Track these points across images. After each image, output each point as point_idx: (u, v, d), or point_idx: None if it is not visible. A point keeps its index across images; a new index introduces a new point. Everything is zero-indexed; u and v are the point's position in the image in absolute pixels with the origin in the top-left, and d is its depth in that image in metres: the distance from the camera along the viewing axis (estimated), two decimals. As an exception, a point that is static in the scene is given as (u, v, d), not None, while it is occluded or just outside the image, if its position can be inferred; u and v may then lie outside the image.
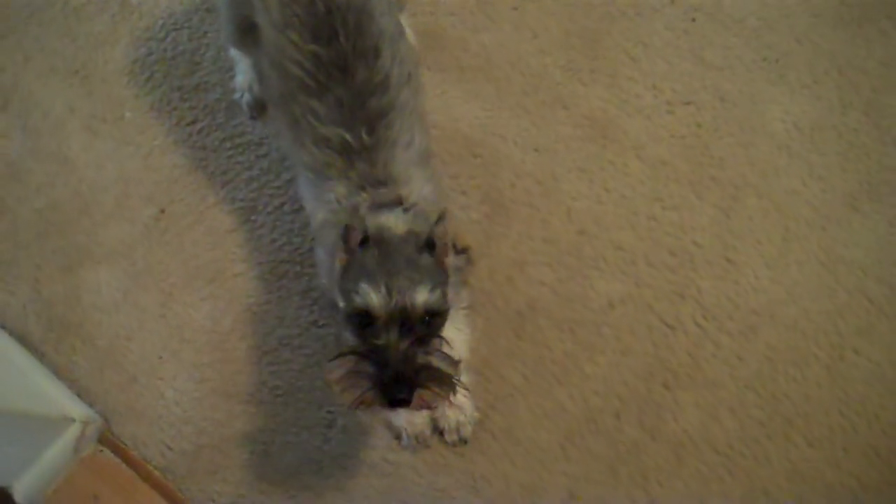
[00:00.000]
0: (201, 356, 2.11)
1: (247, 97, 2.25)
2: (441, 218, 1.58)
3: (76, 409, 2.03)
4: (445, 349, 1.56)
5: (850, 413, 2.01)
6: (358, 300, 1.50)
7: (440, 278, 1.56)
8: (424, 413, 1.96)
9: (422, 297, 1.50)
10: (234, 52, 2.22)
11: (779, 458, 1.99)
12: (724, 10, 2.37)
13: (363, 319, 1.51)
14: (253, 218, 2.20)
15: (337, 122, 1.70)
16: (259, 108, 2.27)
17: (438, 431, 2.01)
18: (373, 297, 1.49)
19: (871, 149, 2.22)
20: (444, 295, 1.56)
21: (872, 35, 2.32)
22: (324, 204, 1.74)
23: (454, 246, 1.90)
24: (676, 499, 1.97)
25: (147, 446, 2.06)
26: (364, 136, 1.70)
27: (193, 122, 2.30)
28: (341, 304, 1.56)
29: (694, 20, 2.36)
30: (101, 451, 2.06)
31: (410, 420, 1.97)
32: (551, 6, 2.39)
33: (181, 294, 2.16)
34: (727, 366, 2.06)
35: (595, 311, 2.11)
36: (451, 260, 1.64)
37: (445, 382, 1.52)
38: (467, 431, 2.00)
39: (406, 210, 1.65)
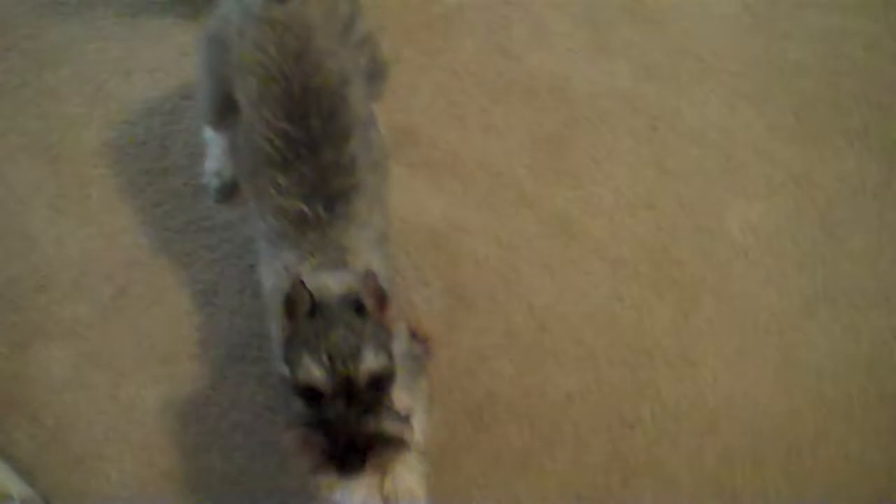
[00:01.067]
0: (150, 438, 2.02)
1: (215, 182, 2.24)
2: (367, 274, 1.54)
3: (16, 487, 1.93)
4: (396, 407, 1.52)
5: (810, 512, 1.97)
6: (302, 375, 1.46)
7: (382, 338, 1.52)
8: (377, 501, 1.89)
9: (365, 364, 1.45)
10: (207, 135, 2.21)
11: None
12: (684, 122, 2.40)
13: (309, 393, 1.46)
14: (213, 301, 2.15)
15: (297, 196, 1.69)
16: (226, 193, 2.25)
17: (391, 526, 1.93)
18: (316, 372, 1.44)
19: (826, 258, 2.23)
20: (389, 355, 1.51)
21: (826, 151, 2.36)
22: (273, 272, 1.71)
23: (414, 335, 1.88)
24: None
25: (89, 530, 1.96)
26: (321, 210, 1.68)
27: (159, 205, 2.26)
28: (287, 373, 1.52)
29: (655, 129, 2.39)
30: (40, 534, 1.95)
31: (363, 510, 1.89)
32: (519, 110, 2.42)
33: (134, 375, 2.08)
34: (686, 463, 2.00)
35: (554, 405, 2.06)
36: (393, 317, 1.60)
37: (398, 445, 1.47)
38: None
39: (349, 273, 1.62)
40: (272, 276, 1.73)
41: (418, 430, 1.83)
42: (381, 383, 1.49)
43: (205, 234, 2.23)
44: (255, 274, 2.07)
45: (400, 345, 1.65)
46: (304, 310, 1.51)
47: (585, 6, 2.58)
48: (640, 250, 2.24)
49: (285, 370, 1.53)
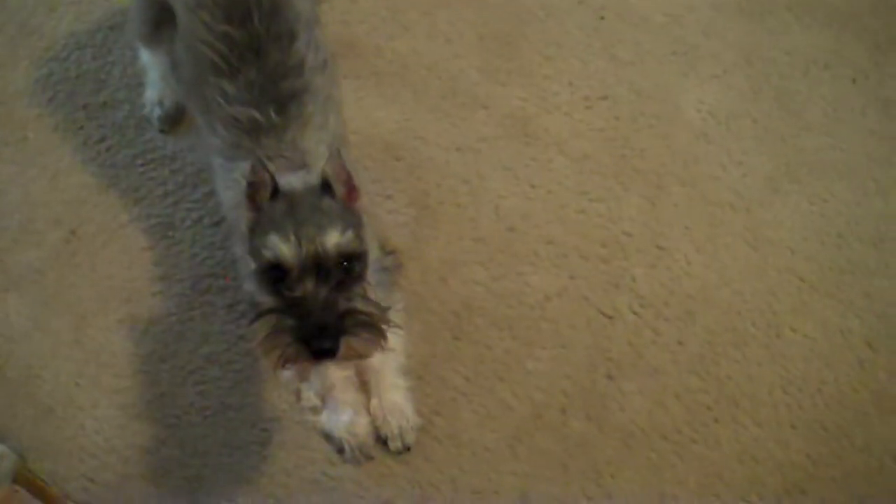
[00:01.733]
0: (122, 381, 1.86)
1: (157, 111, 2.04)
2: (331, 157, 1.42)
3: (-13, 444, 1.76)
4: (370, 295, 1.41)
5: (793, 390, 1.87)
6: (268, 253, 1.34)
7: (350, 219, 1.41)
8: (366, 421, 1.77)
9: (332, 239, 1.35)
10: (144, 59, 2.01)
11: (728, 441, 1.83)
12: (630, 9, 2.26)
13: (276, 274, 1.35)
14: (170, 234, 1.98)
15: (246, 103, 1.55)
16: (170, 122, 2.06)
17: (381, 441, 1.80)
18: (282, 247, 1.33)
19: (784, 133, 2.13)
20: (359, 237, 1.40)
21: (775, 26, 2.25)
22: (232, 184, 1.57)
23: (383, 248, 1.74)
24: (630, 490, 1.79)
25: (67, 481, 1.78)
26: (273, 115, 1.55)
27: (101, 141, 2.07)
28: (252, 265, 1.40)
29: (603, 18, 2.25)
30: (17, 490, 1.77)
31: (352, 430, 1.76)
32: (462, 12, 2.25)
33: (96, 317, 1.91)
34: (668, 352, 1.90)
35: (532, 306, 1.94)
36: (363, 206, 1.49)
37: (374, 327, 1.36)
38: (411, 438, 1.80)
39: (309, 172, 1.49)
40: (231, 190, 1.60)
41: (398, 345, 1.71)
42: (352, 265, 1.38)
43: (153, 166, 2.05)
44: (214, 199, 1.91)
45: (371, 248, 1.51)
46: (266, 194, 1.40)
47: None
48: (600, 142, 2.11)
49: (251, 262, 1.41)
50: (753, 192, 2.06)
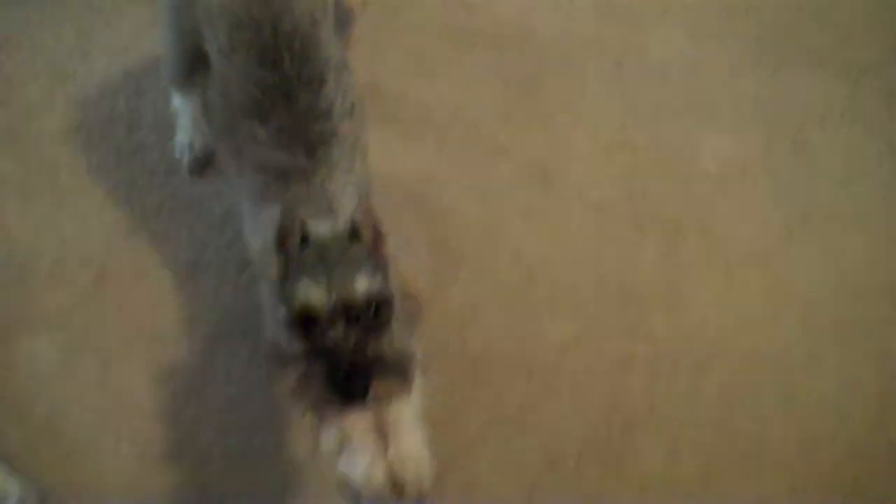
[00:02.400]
0: (145, 421, 1.79)
1: (187, 155, 1.99)
2: (359, 204, 1.42)
3: (10, 485, 1.70)
4: (398, 339, 1.36)
5: (808, 442, 1.79)
6: (299, 300, 1.30)
7: (377, 265, 1.36)
8: (383, 468, 1.69)
9: (362, 285, 1.30)
10: (176, 103, 1.96)
11: (743, 493, 1.75)
12: (649, 59, 2.20)
13: (306, 320, 1.30)
14: (196, 278, 1.92)
15: (277, 147, 1.51)
16: (200, 166, 2.00)
17: (398, 489, 1.73)
18: (313, 293, 1.29)
19: (800, 183, 2.05)
20: (386, 282, 1.36)
21: (790, 78, 2.18)
22: (260, 230, 1.53)
23: (402, 292, 1.67)
24: (646, 540, 1.72)
25: (88, 522, 1.73)
26: (302, 159, 1.51)
27: (132, 184, 2.01)
28: (282, 311, 1.35)
29: (621, 67, 2.19)
30: (39, 530, 1.72)
31: (369, 477, 1.69)
32: (486, 60, 2.19)
33: (122, 359, 1.85)
34: (683, 402, 1.83)
35: (550, 352, 1.86)
36: (388, 248, 1.44)
37: (401, 372, 1.33)
38: (427, 486, 1.72)
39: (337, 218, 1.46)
40: (259, 235, 1.55)
41: (417, 391, 1.64)
42: (379, 310, 1.33)
43: (182, 210, 1.99)
44: (240, 243, 1.85)
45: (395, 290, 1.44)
46: (296, 241, 1.35)
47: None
48: (619, 190, 2.04)
49: (282, 310, 1.35)
50: (770, 242, 1.98)
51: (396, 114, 2.12)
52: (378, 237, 1.41)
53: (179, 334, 1.87)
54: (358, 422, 1.63)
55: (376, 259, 1.39)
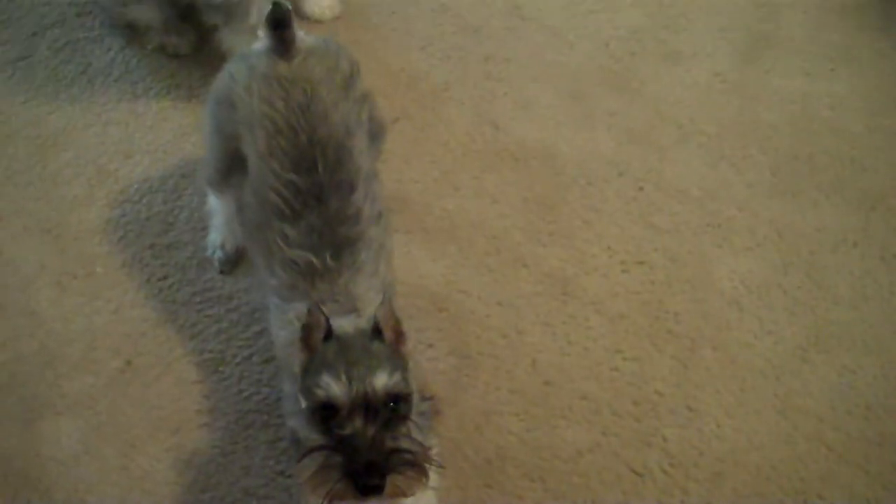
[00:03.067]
0: (163, 509, 1.92)
1: (219, 253, 2.17)
2: (382, 303, 1.52)
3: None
4: (415, 434, 1.47)
5: (822, 560, 1.88)
6: (320, 392, 1.42)
7: (398, 362, 1.49)
8: None
9: (381, 380, 1.42)
10: (211, 203, 2.15)
11: None
12: (668, 182, 2.38)
13: (327, 413, 1.42)
14: (220, 369, 2.06)
15: (305, 247, 1.67)
16: (230, 264, 2.18)
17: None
18: (334, 386, 1.40)
19: (814, 305, 2.19)
20: (405, 379, 1.48)
21: (805, 204, 2.35)
22: (286, 324, 1.67)
23: (422, 393, 1.80)
24: None
25: None
26: (329, 260, 1.66)
27: (164, 278, 2.19)
28: (304, 404, 1.47)
29: (641, 189, 2.37)
30: None
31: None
32: (508, 176, 2.39)
33: (144, 446, 1.97)
34: (697, 513, 1.93)
35: (564, 460, 1.97)
36: (408, 346, 1.58)
37: (418, 466, 1.42)
38: None
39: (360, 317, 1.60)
40: (284, 329, 1.70)
41: (431, 491, 1.75)
42: (398, 405, 1.45)
43: (210, 304, 2.15)
44: (264, 338, 2.01)
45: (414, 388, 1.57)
46: (320, 337, 1.48)
47: (565, 80, 2.58)
48: (636, 304, 2.19)
49: (302, 401, 1.48)
50: (783, 361, 2.11)
51: (422, 224, 2.30)
52: (399, 336, 1.55)
53: (201, 424, 2.00)
54: None
55: (396, 356, 1.51)
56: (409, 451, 1.43)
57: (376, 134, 1.99)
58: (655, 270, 2.24)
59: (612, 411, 2.04)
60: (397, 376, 1.46)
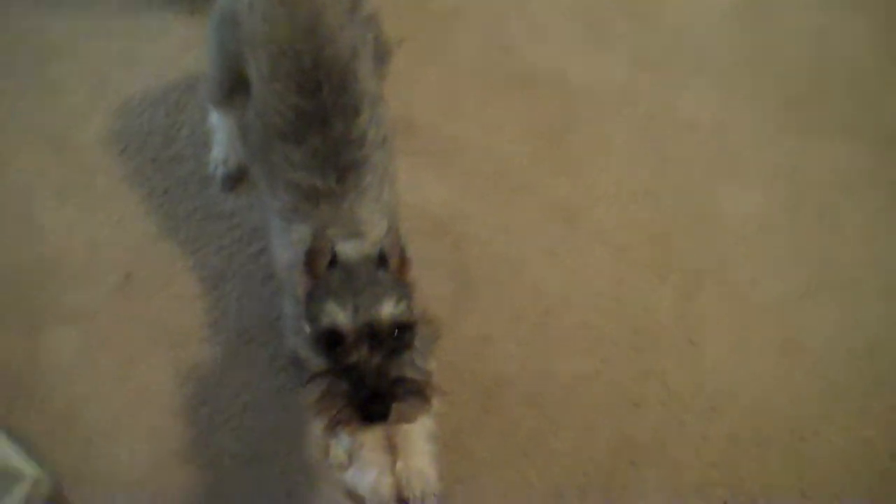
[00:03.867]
0: (161, 420, 2.00)
1: (221, 170, 2.23)
2: (388, 231, 1.59)
3: (26, 467, 1.89)
4: (417, 361, 1.54)
5: (812, 493, 1.97)
6: (325, 320, 1.48)
7: (402, 291, 1.55)
8: (390, 482, 1.88)
9: (387, 310, 1.48)
10: (213, 120, 2.21)
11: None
12: (679, 113, 2.44)
13: (332, 340, 1.48)
14: (221, 285, 2.14)
15: (309, 169, 1.72)
16: (232, 181, 2.24)
17: (403, 503, 1.92)
18: (340, 314, 1.47)
19: (822, 244, 2.26)
20: (410, 307, 1.54)
21: (817, 142, 2.40)
22: (287, 247, 1.73)
23: (422, 317, 1.88)
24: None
25: (99, 511, 1.93)
26: (333, 183, 1.72)
27: (165, 192, 2.26)
28: (308, 329, 1.53)
29: (652, 118, 2.43)
30: (50, 515, 1.92)
31: (376, 490, 1.88)
32: (518, 103, 2.44)
33: (144, 358, 2.06)
34: (691, 445, 2.01)
35: (561, 387, 2.06)
36: (412, 274, 1.64)
37: (422, 394, 1.49)
38: (431, 503, 1.92)
39: (364, 241, 1.66)
40: (286, 251, 1.76)
41: (428, 413, 1.83)
42: (403, 333, 1.51)
43: (212, 221, 2.22)
44: (266, 256, 2.08)
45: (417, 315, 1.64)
46: (324, 262, 1.54)
47: (579, 3, 2.61)
48: (642, 236, 2.26)
49: (307, 326, 1.54)
50: (787, 298, 2.19)
51: (428, 147, 2.36)
52: (404, 263, 1.61)
53: (201, 339, 2.09)
54: (368, 435, 1.84)
55: (401, 284, 1.58)
56: (413, 380, 1.49)
57: (382, 56, 2.03)
58: (662, 202, 2.31)
59: (612, 341, 2.12)
60: (402, 305, 1.51)
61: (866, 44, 2.58)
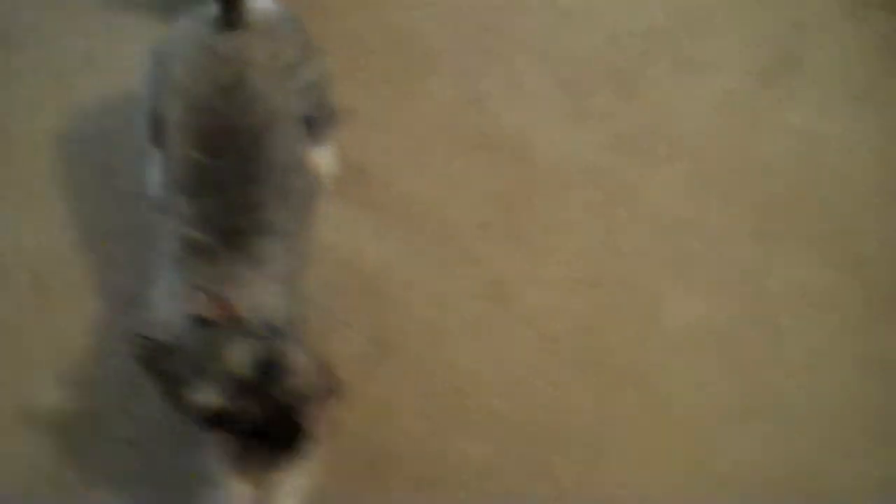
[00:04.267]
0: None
1: (156, 193, 2.24)
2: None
3: None
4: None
5: None
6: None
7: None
8: None
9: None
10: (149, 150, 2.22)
11: None
12: (643, 202, 2.38)
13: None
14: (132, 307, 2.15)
15: (197, 225, 1.72)
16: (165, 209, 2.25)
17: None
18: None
19: (760, 364, 2.21)
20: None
21: (781, 256, 2.33)
22: (162, 293, 1.77)
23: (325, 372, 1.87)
24: None
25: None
26: (219, 245, 1.72)
27: (97, 204, 2.29)
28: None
29: (612, 205, 2.38)
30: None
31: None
32: (479, 165, 2.41)
33: (33, 369, 2.12)
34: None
35: (451, 471, 2.05)
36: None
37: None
38: None
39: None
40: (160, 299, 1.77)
41: (304, 473, 1.83)
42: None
43: (138, 239, 2.22)
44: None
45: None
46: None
47: (564, 68, 2.56)
48: (572, 327, 2.23)
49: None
50: (709, 418, 2.14)
51: (374, 200, 2.34)
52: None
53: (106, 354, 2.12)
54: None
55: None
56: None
57: (322, 122, 2.03)
58: (602, 296, 2.27)
59: (514, 432, 2.10)
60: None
61: (859, 157, 2.50)
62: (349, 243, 2.26)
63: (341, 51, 2.37)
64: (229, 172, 1.74)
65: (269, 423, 1.51)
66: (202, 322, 1.58)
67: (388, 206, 2.34)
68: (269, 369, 1.54)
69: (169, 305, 1.67)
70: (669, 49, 2.62)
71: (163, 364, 1.57)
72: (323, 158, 2.21)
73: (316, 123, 1.99)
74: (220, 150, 1.75)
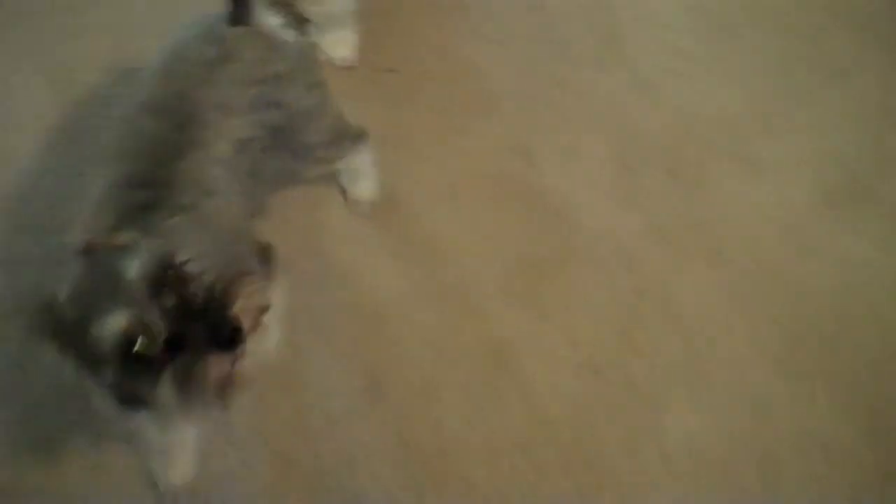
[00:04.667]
0: None
1: None
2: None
3: None
4: None
5: None
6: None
7: None
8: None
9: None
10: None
11: None
12: (672, 301, 2.34)
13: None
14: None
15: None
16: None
17: None
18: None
19: (755, 496, 2.15)
20: None
21: (800, 392, 2.27)
22: None
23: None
24: None
25: None
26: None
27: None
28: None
29: (641, 296, 2.34)
30: None
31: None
32: (515, 221, 2.40)
33: None
34: None
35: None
36: None
37: None
38: None
39: None
40: None
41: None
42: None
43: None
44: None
45: None
46: None
47: (624, 142, 2.54)
48: (566, 413, 2.18)
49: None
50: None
51: (399, 228, 2.33)
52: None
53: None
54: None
55: None
56: None
57: (332, 147, 2.13)
58: (606, 387, 2.22)
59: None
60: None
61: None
62: (365, 263, 2.24)
63: (403, 74, 2.34)
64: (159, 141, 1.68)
65: (188, 332, 1.39)
66: (85, 254, 1.48)
67: (410, 239, 2.32)
68: (165, 271, 1.39)
69: None
70: (736, 141, 2.57)
71: (60, 320, 1.47)
72: (362, 183, 2.18)
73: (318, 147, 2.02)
74: (159, 117, 1.71)
